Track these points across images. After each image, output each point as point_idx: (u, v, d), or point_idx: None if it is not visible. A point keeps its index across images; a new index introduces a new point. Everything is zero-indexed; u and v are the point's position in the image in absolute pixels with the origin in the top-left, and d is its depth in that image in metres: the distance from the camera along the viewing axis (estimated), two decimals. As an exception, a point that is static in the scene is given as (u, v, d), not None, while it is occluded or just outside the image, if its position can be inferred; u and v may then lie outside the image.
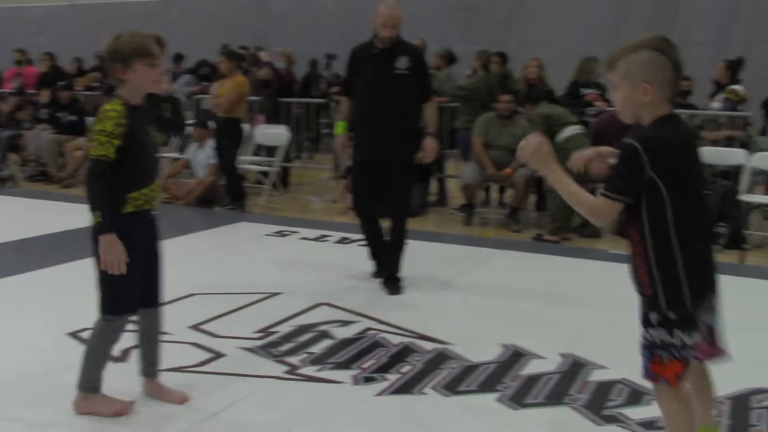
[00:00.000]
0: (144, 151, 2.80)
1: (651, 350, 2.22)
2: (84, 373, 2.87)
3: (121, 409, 2.89)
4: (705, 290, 2.28)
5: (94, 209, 2.67)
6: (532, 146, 2.29)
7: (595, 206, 2.21)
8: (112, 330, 2.84)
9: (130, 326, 2.94)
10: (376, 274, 4.91)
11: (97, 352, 2.87)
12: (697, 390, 2.40)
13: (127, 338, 3.03)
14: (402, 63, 4.58)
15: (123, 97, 2.76)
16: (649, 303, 2.25)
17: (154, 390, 3.05)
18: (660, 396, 2.25)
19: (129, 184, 2.74)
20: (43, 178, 9.27)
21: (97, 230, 2.69)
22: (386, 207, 4.81)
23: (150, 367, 3.03)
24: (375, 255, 4.96)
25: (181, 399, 3.03)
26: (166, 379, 3.13)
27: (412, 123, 4.70)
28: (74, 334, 3.73)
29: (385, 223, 4.87)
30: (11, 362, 3.41)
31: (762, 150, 6.98)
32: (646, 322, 2.25)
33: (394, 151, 4.62)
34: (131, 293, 2.82)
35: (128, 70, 2.74)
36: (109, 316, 2.81)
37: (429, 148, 4.72)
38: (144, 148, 2.80)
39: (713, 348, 2.34)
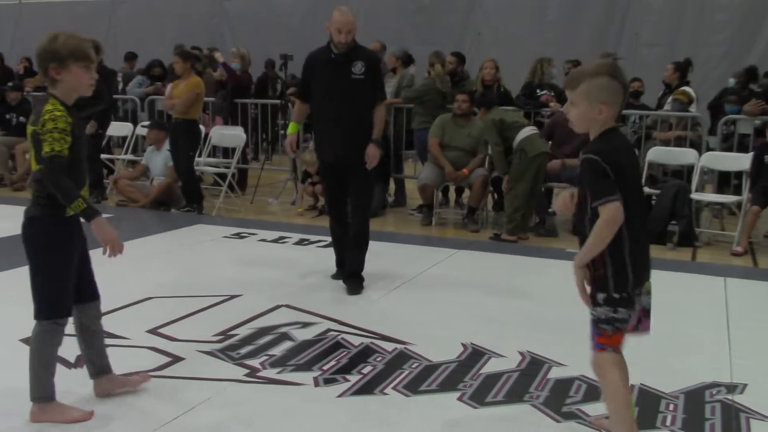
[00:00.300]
0: (80, 154, 2.80)
1: (598, 325, 2.59)
2: (35, 383, 2.83)
3: (79, 417, 2.85)
4: (644, 276, 2.63)
5: (70, 201, 2.67)
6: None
7: (603, 222, 2.47)
8: (54, 334, 2.82)
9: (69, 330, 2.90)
10: (337, 276, 4.94)
11: (43, 360, 2.83)
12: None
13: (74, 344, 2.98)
14: (358, 68, 4.66)
15: (58, 98, 2.75)
16: (598, 285, 2.58)
17: (112, 384, 3.04)
18: (603, 364, 2.61)
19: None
20: (-5, 182, 9.04)
21: (87, 217, 2.70)
22: (351, 207, 4.87)
23: (100, 364, 3.02)
24: (340, 260, 5.02)
25: (143, 379, 3.09)
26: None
27: (367, 126, 4.73)
28: (27, 340, 3.64)
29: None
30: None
31: (711, 149, 7.15)
32: (595, 302, 2.59)
33: (352, 153, 4.67)
34: (68, 296, 2.82)
35: (63, 71, 2.74)
36: (47, 321, 2.79)
37: (370, 154, 4.69)
38: (80, 150, 2.80)
39: (641, 324, 2.71)
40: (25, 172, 8.85)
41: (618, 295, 2.54)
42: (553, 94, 7.55)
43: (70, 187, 2.67)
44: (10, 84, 9.71)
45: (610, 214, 2.44)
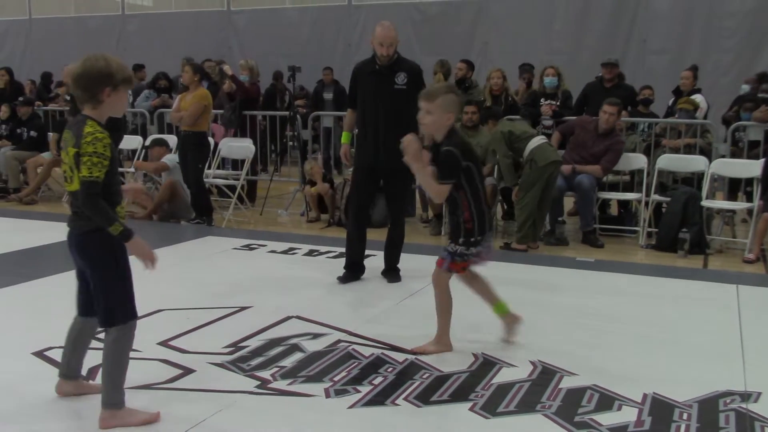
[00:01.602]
0: (116, 171, 2.87)
1: (453, 256, 3.72)
2: (110, 389, 2.89)
3: (148, 419, 2.93)
4: (487, 228, 3.73)
5: (108, 225, 2.75)
6: (412, 148, 3.61)
7: (440, 190, 3.63)
8: (130, 336, 2.91)
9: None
10: (343, 280, 5.17)
11: (122, 364, 2.90)
12: (479, 282, 3.96)
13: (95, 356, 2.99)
14: (401, 78, 5.02)
15: (95, 119, 2.79)
16: (466, 232, 3.67)
17: (74, 388, 3.15)
18: (443, 281, 3.78)
19: (109, 204, 2.80)
20: (4, 195, 9.09)
21: (124, 239, 2.78)
22: (387, 207, 5.52)
23: (75, 369, 3.14)
24: (351, 264, 5.24)
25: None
26: (135, 397, 3.09)
27: (409, 133, 4.91)
28: (39, 354, 3.66)
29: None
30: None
31: (722, 156, 7.13)
32: (456, 241, 3.70)
33: (393, 158, 4.81)
34: (134, 300, 2.91)
35: (113, 94, 2.80)
36: (124, 326, 2.87)
37: (406, 139, 4.97)
38: (115, 168, 2.86)
39: (486, 257, 3.84)
40: (36, 187, 8.92)
41: (473, 239, 3.67)
42: (554, 102, 7.53)
43: (106, 210, 2.74)
44: (20, 99, 9.79)
45: (443, 191, 3.61)
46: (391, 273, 5.29)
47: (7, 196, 9.02)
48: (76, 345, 3.09)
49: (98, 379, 3.11)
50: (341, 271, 5.24)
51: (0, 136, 9.53)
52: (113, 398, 2.89)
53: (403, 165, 5.01)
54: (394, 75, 5.02)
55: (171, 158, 7.85)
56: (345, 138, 5.39)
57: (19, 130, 9.37)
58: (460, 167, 3.55)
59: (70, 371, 3.13)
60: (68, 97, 10.46)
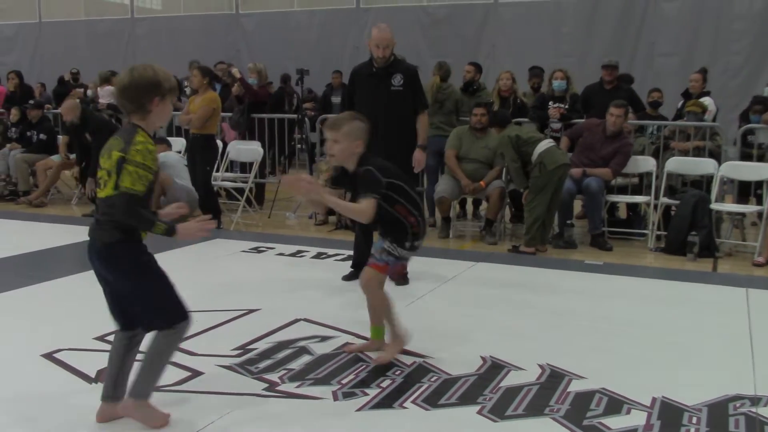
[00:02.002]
0: (153, 187, 2.83)
1: (399, 260, 3.71)
2: (143, 384, 2.87)
3: (162, 423, 2.92)
4: (423, 235, 3.72)
5: (149, 227, 2.73)
6: (303, 189, 3.47)
7: (362, 209, 3.46)
8: (178, 338, 2.90)
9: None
10: (349, 277, 5.22)
11: (160, 364, 2.89)
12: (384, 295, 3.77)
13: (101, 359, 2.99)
14: (397, 80, 5.07)
15: (145, 129, 2.77)
16: (413, 236, 3.64)
17: (121, 410, 2.97)
18: (375, 283, 3.67)
19: None
20: (14, 198, 9.14)
21: (168, 233, 2.75)
22: None
23: (121, 390, 2.96)
24: (357, 264, 5.18)
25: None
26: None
27: (408, 134, 5.13)
28: (49, 356, 3.68)
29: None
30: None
31: (731, 159, 7.10)
32: (402, 245, 3.63)
33: (392, 160, 4.84)
34: (179, 299, 2.88)
35: (161, 104, 2.79)
36: (171, 330, 2.84)
37: (416, 159, 5.17)
38: (156, 181, 2.84)
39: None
40: (45, 189, 8.96)
41: (417, 241, 3.67)
42: (562, 105, 7.51)
43: (146, 215, 2.72)
44: (31, 102, 9.85)
45: (367, 209, 3.45)
46: (401, 278, 5.26)
47: (16, 198, 9.07)
48: (125, 362, 2.96)
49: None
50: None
51: (10, 139, 9.58)
52: (141, 390, 2.87)
53: (403, 167, 5.04)
54: (391, 77, 5.06)
55: (164, 155, 7.89)
56: None
57: (29, 133, 9.42)
58: (381, 183, 3.46)
59: (117, 392, 2.96)
60: (78, 100, 10.52)
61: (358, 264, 5.26)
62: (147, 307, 2.82)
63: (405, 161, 5.07)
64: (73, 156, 8.81)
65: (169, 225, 2.75)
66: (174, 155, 7.95)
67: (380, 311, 3.74)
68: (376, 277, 3.66)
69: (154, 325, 2.85)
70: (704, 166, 6.89)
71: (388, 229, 3.64)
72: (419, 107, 5.16)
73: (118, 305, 2.87)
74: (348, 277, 5.23)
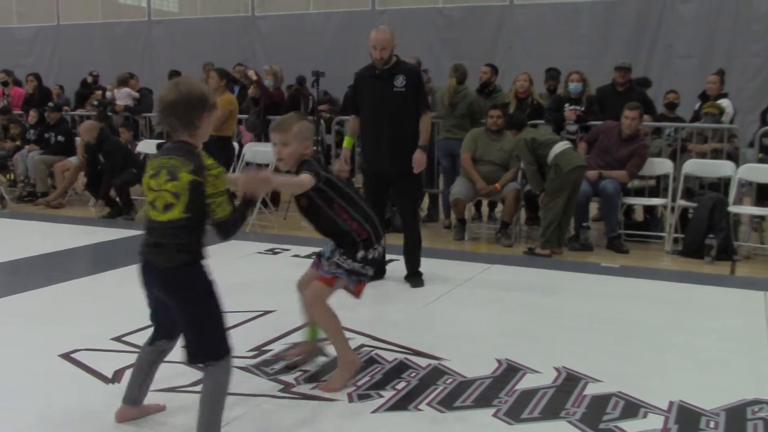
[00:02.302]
0: None
1: (350, 274, 3.39)
2: (207, 427, 2.72)
3: None
4: (379, 239, 3.48)
5: (243, 222, 2.74)
6: (251, 182, 2.79)
7: (301, 179, 3.19)
8: (230, 371, 2.77)
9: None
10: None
11: (218, 405, 2.74)
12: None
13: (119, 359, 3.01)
14: (399, 81, 5.05)
15: (196, 145, 2.70)
16: (364, 243, 3.39)
17: (138, 412, 3.02)
18: (322, 298, 3.39)
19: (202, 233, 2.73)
20: (32, 199, 9.22)
21: (247, 207, 2.75)
22: (399, 213, 5.52)
23: (143, 395, 3.01)
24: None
25: (158, 408, 3.09)
26: (159, 400, 3.11)
27: (412, 136, 5.11)
28: (66, 356, 3.70)
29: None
30: (10, 385, 3.37)
31: (748, 162, 7.04)
32: (353, 257, 3.38)
33: (397, 162, 5.09)
34: (227, 335, 2.76)
35: (208, 118, 2.72)
36: (223, 362, 2.72)
37: (416, 160, 5.11)
38: None
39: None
40: (63, 191, 9.03)
41: (372, 249, 3.41)
42: (578, 108, 7.48)
43: (239, 221, 2.71)
44: (49, 104, 9.93)
45: (306, 181, 3.18)
46: (414, 277, 5.30)
47: (35, 199, 9.14)
48: (152, 369, 2.97)
49: (124, 382, 3.14)
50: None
51: (28, 141, 9.66)
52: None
53: (409, 167, 5.14)
54: (393, 78, 5.05)
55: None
56: (347, 142, 5.45)
57: (47, 135, 9.49)
58: (318, 172, 3.23)
59: (141, 396, 2.99)
60: (96, 103, 10.61)
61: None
62: (199, 335, 2.70)
63: (409, 162, 5.09)
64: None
65: (241, 208, 2.72)
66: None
67: (328, 332, 3.48)
68: (321, 291, 3.38)
69: (199, 356, 2.71)
70: (722, 168, 6.83)
71: (337, 240, 3.47)
72: (422, 108, 5.15)
73: (169, 322, 2.80)
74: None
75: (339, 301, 4.83)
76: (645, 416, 3.11)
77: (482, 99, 7.87)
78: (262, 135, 8.93)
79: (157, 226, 2.66)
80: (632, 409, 3.17)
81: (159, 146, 8.29)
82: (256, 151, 8.53)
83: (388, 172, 5.16)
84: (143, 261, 2.71)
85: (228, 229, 2.68)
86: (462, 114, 7.56)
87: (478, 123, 7.49)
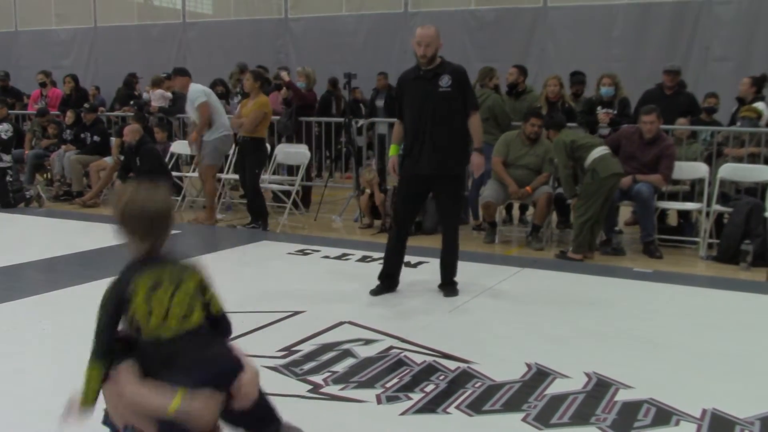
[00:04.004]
0: None
1: None
2: None
3: None
4: None
5: None
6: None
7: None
8: None
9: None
10: (378, 291, 5.05)
11: None
12: None
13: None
14: (444, 81, 4.87)
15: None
16: None
17: None
18: None
19: None
20: (68, 198, 9.37)
21: None
22: (439, 218, 5.36)
23: None
24: (386, 276, 5.11)
25: None
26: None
27: (458, 137, 4.97)
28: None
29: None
30: (46, 383, 3.43)
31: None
32: None
33: (443, 165, 4.92)
34: None
35: None
36: None
37: (475, 163, 5.02)
38: None
39: None
40: (98, 190, 9.17)
41: None
42: (611, 111, 7.40)
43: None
44: (85, 105, 10.09)
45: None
46: (448, 287, 5.10)
47: (71, 199, 9.29)
48: None
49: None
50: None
51: (65, 141, 9.83)
52: None
53: (454, 170, 5.01)
54: (438, 78, 4.86)
55: None
56: (393, 150, 5.24)
57: (83, 135, 9.65)
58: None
59: None
60: (132, 103, 10.76)
61: (387, 276, 5.12)
62: None
63: (455, 165, 4.96)
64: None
65: None
66: None
67: None
68: None
69: None
70: (759, 172, 6.72)
71: None
72: (470, 108, 4.96)
73: None
74: (376, 291, 5.04)
75: (369, 301, 4.87)
76: (677, 424, 3.07)
77: (512, 100, 7.82)
78: (294, 136, 8.99)
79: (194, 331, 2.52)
80: (664, 416, 3.13)
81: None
82: (287, 152, 8.59)
83: (432, 175, 4.93)
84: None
85: (230, 328, 2.72)
86: (485, 117, 7.50)
87: (506, 126, 7.43)
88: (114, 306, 2.51)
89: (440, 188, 5.02)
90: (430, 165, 4.90)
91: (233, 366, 2.50)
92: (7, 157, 9.05)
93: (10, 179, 8.98)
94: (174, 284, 2.50)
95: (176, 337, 2.47)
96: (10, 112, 11.16)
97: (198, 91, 7.73)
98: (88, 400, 2.50)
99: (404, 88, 5.08)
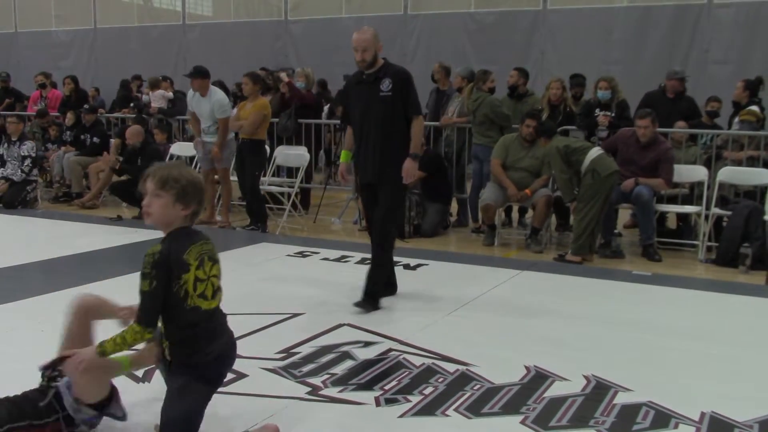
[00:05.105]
0: None
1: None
2: None
3: None
4: None
5: None
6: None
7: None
8: None
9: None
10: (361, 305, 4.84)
11: None
12: None
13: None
14: (385, 85, 4.68)
15: None
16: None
17: None
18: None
19: None
20: (68, 199, 9.36)
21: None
22: (373, 224, 4.90)
23: None
24: (387, 282, 5.02)
25: None
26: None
27: (398, 144, 4.71)
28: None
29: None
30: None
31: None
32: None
33: (381, 172, 4.73)
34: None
35: None
36: None
37: (405, 169, 4.67)
38: None
39: None
40: (97, 192, 9.16)
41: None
42: (610, 113, 7.40)
43: None
44: (85, 106, 10.09)
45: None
46: (363, 301, 4.69)
47: (70, 200, 9.29)
48: None
49: (154, 381, 3.17)
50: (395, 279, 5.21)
51: (64, 142, 9.83)
52: None
53: (393, 178, 4.65)
54: (379, 82, 4.67)
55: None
56: (343, 156, 5.06)
57: (82, 137, 9.65)
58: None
59: None
60: (132, 105, 10.77)
61: (389, 283, 4.99)
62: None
63: (394, 173, 4.67)
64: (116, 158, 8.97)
65: None
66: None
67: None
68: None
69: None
70: (758, 176, 6.73)
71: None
72: (411, 112, 4.72)
73: None
74: (361, 305, 4.70)
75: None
76: (676, 427, 3.07)
77: (513, 103, 7.83)
78: (293, 138, 8.99)
79: (209, 314, 2.70)
80: (663, 419, 3.13)
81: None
82: (287, 154, 8.59)
83: (374, 183, 4.76)
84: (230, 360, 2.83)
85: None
86: (481, 121, 7.52)
87: (507, 128, 7.43)
88: (166, 273, 2.58)
89: (379, 194, 4.78)
90: (372, 172, 4.75)
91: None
92: (35, 172, 9.12)
93: (29, 190, 8.96)
94: (214, 259, 2.67)
95: (211, 310, 2.68)
96: (9, 112, 11.19)
97: (227, 102, 7.75)
98: (125, 366, 2.73)
99: (349, 93, 4.94)
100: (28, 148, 8.95)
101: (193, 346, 2.66)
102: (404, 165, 4.67)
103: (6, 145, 9.10)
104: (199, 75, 7.70)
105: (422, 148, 4.94)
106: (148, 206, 2.64)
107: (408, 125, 4.74)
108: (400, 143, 4.71)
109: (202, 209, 2.67)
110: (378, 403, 3.27)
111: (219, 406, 3.16)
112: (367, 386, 3.45)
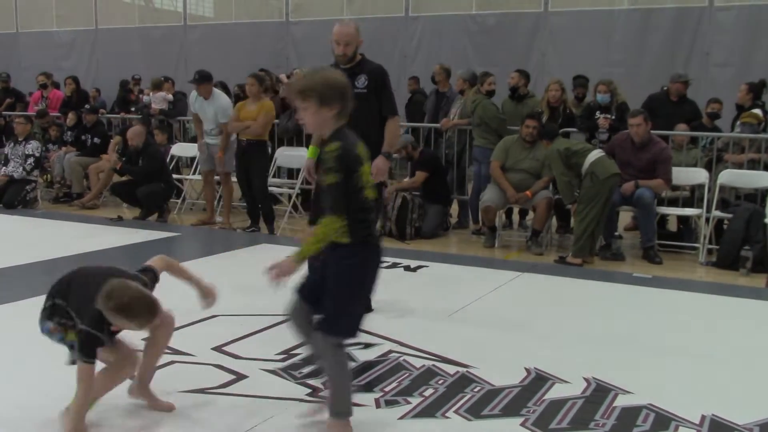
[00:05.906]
0: None
1: None
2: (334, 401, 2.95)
3: None
4: None
5: None
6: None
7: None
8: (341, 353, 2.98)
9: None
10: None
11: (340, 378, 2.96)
12: None
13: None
14: (361, 81, 4.58)
15: None
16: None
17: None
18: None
19: None
20: (68, 200, 9.36)
21: None
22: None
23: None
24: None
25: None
26: (188, 400, 3.13)
27: (374, 143, 4.44)
28: (98, 355, 3.75)
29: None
30: (45, 386, 3.42)
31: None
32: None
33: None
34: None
35: None
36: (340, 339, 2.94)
37: (375, 165, 4.38)
38: None
39: None
40: (97, 192, 9.16)
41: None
42: (610, 116, 7.40)
43: None
44: (86, 107, 10.10)
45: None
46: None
47: (71, 201, 9.29)
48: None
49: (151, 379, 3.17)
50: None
51: (65, 142, 9.83)
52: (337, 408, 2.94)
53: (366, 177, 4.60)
54: (355, 78, 4.52)
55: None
56: (310, 153, 4.82)
57: (83, 137, 9.65)
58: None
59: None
60: (133, 108, 10.76)
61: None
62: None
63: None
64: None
65: None
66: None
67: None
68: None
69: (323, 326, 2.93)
70: (759, 179, 6.72)
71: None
72: (386, 111, 4.63)
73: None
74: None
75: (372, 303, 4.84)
76: (676, 429, 3.06)
77: (513, 104, 7.83)
78: (294, 139, 8.99)
79: (372, 203, 2.89)
80: (663, 422, 3.13)
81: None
82: (288, 155, 8.59)
83: None
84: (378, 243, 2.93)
85: None
86: (477, 123, 7.53)
87: (503, 131, 7.42)
88: (348, 168, 2.75)
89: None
90: None
91: None
92: (36, 172, 9.12)
93: (29, 190, 8.96)
94: (366, 156, 2.82)
95: (372, 204, 2.85)
96: (9, 113, 11.20)
97: (230, 107, 7.77)
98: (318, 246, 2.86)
99: None
100: (33, 147, 8.98)
101: (368, 229, 2.86)
102: (374, 162, 4.44)
103: (12, 144, 9.14)
104: (205, 80, 7.72)
105: (407, 149, 4.82)
106: (301, 119, 2.86)
107: (381, 123, 4.65)
108: (375, 143, 4.50)
109: (348, 105, 2.80)
110: (378, 405, 3.26)
111: (219, 406, 3.16)
112: (367, 388, 3.44)
